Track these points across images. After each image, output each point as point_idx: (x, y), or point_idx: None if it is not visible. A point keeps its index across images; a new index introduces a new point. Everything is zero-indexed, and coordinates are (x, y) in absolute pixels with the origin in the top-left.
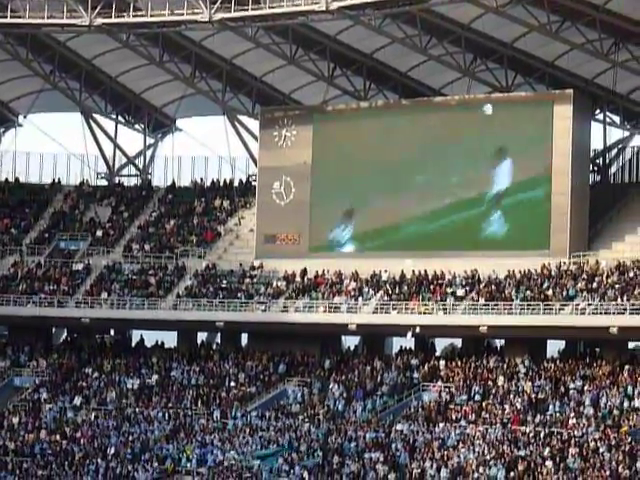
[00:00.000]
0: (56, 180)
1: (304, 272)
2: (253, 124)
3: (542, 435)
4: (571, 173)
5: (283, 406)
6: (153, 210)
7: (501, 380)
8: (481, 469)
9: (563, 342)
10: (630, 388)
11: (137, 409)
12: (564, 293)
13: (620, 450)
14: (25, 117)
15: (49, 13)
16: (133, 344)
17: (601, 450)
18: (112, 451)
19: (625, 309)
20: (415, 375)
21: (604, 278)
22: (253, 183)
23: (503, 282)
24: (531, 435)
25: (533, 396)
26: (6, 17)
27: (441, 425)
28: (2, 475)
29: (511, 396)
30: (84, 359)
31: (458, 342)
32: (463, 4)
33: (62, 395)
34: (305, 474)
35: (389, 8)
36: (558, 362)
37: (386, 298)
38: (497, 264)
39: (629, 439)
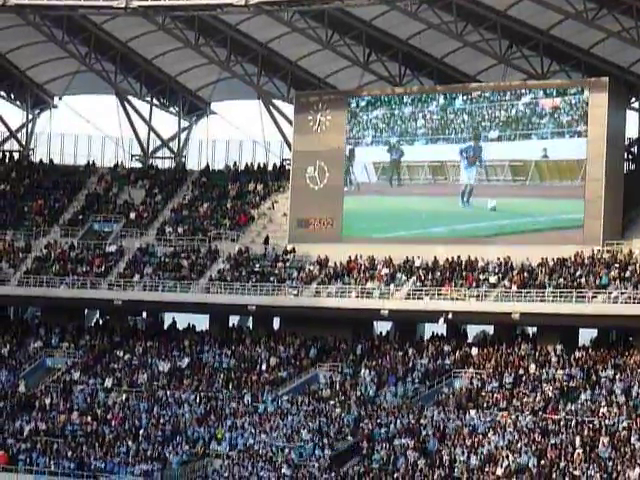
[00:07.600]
0: (90, 162)
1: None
2: (288, 108)
3: (573, 423)
4: (605, 161)
5: (314, 391)
6: (187, 193)
7: (532, 368)
8: (511, 457)
9: (595, 330)
10: None
11: (168, 392)
12: (597, 281)
13: None
14: (60, 99)
15: None
16: (165, 327)
17: (632, 440)
18: (143, 433)
19: None
20: (447, 362)
21: (637, 267)
22: (287, 167)
23: (536, 269)
24: (562, 423)
25: (564, 384)
26: None
27: (472, 412)
28: (33, 456)
29: (542, 384)
30: (116, 341)
31: (490, 329)
32: None
33: (94, 377)
34: (335, 459)
35: None
36: (590, 350)
37: (419, 284)
38: (530, 251)
39: None
